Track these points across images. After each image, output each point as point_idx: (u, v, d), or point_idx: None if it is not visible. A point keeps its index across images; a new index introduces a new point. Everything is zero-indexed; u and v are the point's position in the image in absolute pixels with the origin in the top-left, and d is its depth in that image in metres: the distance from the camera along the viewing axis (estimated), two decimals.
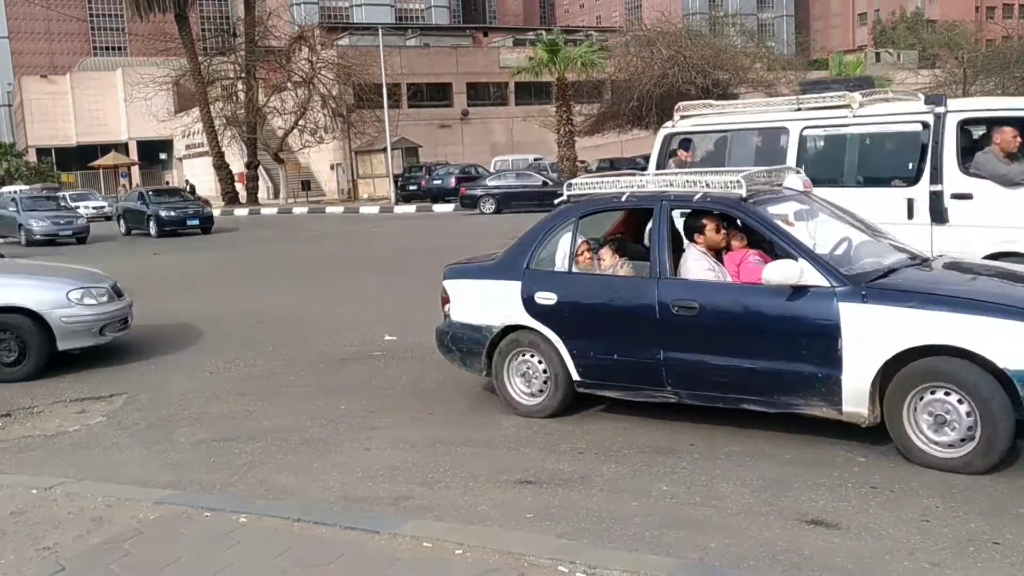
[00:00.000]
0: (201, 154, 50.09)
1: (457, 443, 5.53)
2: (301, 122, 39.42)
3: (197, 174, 55.49)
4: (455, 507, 4.49)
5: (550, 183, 29.77)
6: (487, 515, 4.37)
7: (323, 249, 20.22)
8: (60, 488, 4.79)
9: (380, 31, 38.88)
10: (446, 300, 6.42)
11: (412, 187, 36.93)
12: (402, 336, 8.89)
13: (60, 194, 33.69)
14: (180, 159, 63.60)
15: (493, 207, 29.01)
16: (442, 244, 17.29)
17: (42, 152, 71.43)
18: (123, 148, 66.92)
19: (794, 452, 5.03)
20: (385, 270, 15.24)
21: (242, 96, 39.27)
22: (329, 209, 36.14)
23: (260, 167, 41.19)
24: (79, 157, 66.80)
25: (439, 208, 32.42)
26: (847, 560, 3.71)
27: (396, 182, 36.94)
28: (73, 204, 32.04)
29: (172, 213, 26.45)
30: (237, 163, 41.17)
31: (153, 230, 26.05)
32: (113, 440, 6.08)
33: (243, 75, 38.80)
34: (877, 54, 68.88)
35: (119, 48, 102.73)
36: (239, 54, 39.22)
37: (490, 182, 30.73)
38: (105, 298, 8.31)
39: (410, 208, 33.33)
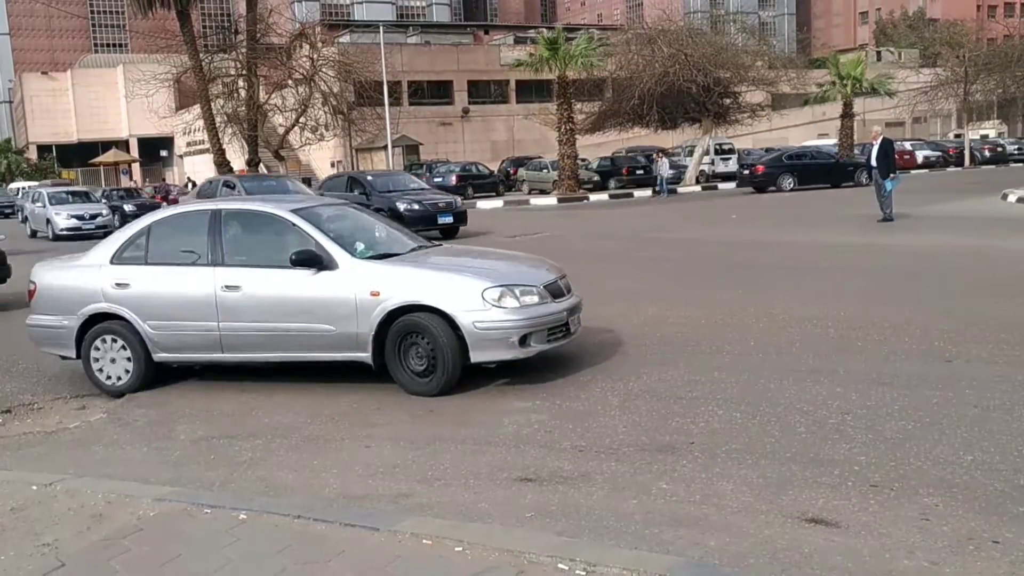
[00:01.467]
0: (202, 151, 50.11)
1: (457, 441, 5.53)
2: (302, 119, 39.36)
3: (198, 171, 55.55)
4: (455, 504, 4.49)
5: (839, 158, 29.26)
6: (487, 512, 4.36)
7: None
8: (60, 484, 4.79)
9: (381, 28, 38.88)
10: None
11: None
12: None
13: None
14: (181, 156, 63.70)
15: (793, 184, 27.16)
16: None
17: (43, 149, 71.52)
18: (124, 145, 67.03)
19: (794, 450, 5.02)
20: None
21: (243, 93, 39.20)
22: None
23: (261, 164, 41.10)
24: (80, 154, 66.96)
25: None
26: (847, 559, 3.71)
27: None
28: None
29: (415, 207, 18.90)
30: (238, 160, 41.07)
31: None
32: (114, 437, 6.09)
33: (244, 72, 38.73)
34: (878, 52, 69.01)
35: (120, 45, 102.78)
36: (240, 51, 39.14)
37: (786, 158, 28.67)
38: (533, 299, 6.64)
39: None
